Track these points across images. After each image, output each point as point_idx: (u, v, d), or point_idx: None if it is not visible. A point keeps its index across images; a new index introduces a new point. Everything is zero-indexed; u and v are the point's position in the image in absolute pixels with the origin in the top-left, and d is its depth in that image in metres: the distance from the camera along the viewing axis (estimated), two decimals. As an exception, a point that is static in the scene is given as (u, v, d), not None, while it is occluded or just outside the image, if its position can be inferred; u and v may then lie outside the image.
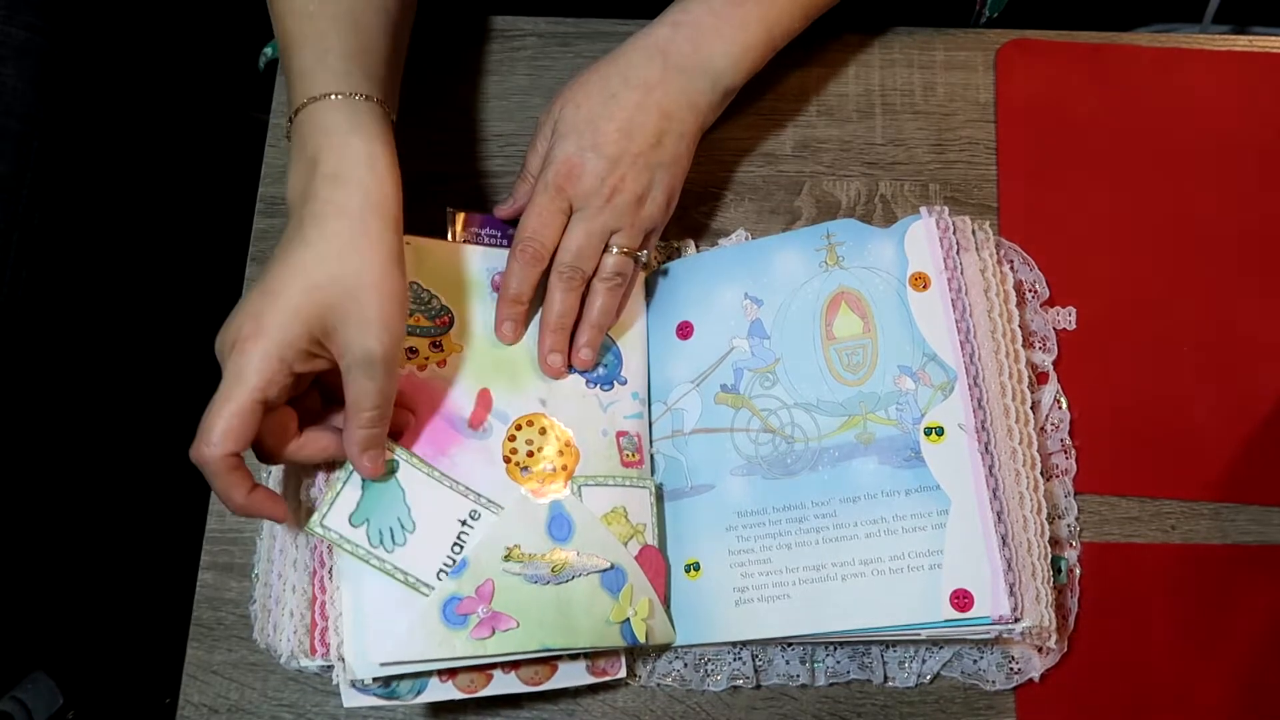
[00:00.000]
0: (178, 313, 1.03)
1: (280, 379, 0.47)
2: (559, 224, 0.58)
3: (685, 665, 0.59)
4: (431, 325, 0.58)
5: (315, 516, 0.52)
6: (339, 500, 0.52)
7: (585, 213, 0.58)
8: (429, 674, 0.54)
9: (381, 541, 0.52)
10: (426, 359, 0.57)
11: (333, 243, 0.49)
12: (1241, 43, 0.70)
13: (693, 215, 0.68)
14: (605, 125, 0.58)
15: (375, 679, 0.52)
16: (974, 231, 0.61)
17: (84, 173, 0.87)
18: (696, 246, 0.67)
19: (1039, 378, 0.63)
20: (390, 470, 0.54)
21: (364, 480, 0.53)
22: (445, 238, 0.62)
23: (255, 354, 0.47)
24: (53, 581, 0.97)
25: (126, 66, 0.92)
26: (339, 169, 0.50)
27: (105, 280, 0.94)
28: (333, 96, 0.52)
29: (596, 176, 0.57)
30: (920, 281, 0.59)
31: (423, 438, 0.55)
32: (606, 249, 0.59)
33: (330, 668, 0.53)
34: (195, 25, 0.93)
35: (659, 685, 0.59)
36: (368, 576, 0.52)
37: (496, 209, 0.63)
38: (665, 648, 0.59)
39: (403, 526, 0.53)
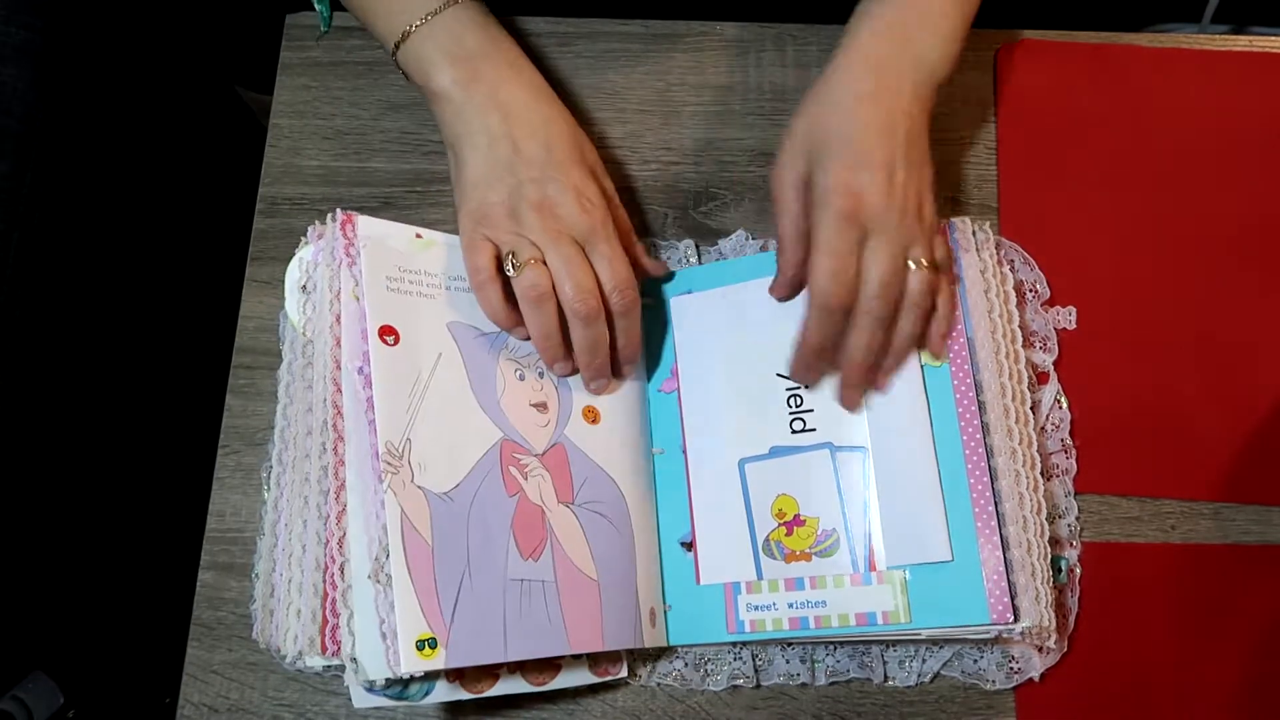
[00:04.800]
0: (178, 313, 1.03)
1: None
2: (854, 255, 0.53)
3: (685, 665, 0.59)
4: None
5: None
6: None
7: (879, 236, 0.53)
8: (438, 675, 0.53)
9: None
10: None
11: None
12: (1241, 43, 0.70)
13: (692, 215, 0.68)
14: (867, 139, 0.53)
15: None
16: (974, 232, 0.61)
17: (84, 172, 0.87)
18: (696, 246, 0.67)
19: (1039, 378, 0.63)
20: None
21: None
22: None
23: None
24: (53, 581, 0.97)
25: (126, 66, 0.92)
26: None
27: (105, 280, 0.94)
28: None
29: (880, 194, 0.53)
30: None
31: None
32: (907, 268, 0.54)
33: (332, 666, 0.53)
34: (195, 25, 0.93)
35: (659, 685, 0.59)
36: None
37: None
38: (665, 648, 0.59)
39: None
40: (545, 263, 0.56)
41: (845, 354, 0.56)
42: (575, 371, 0.60)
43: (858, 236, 0.53)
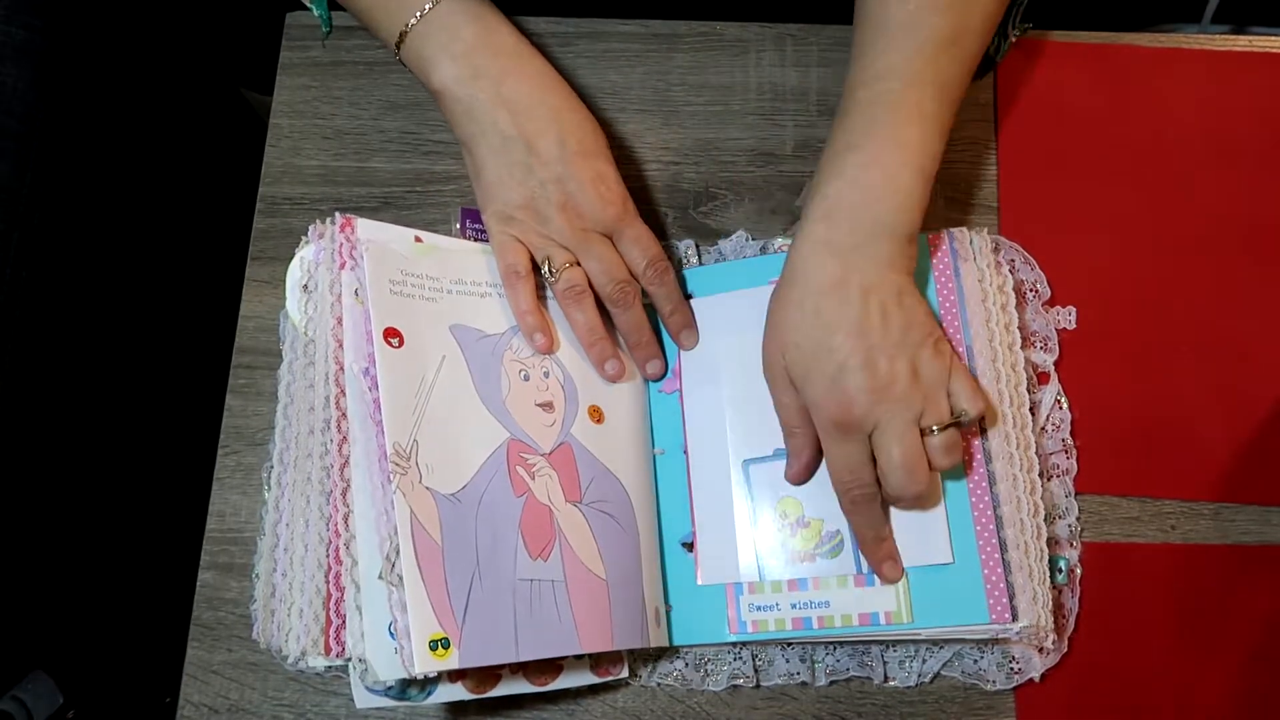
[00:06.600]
0: (179, 312, 1.03)
1: None
2: (865, 455, 0.54)
3: (686, 665, 0.59)
4: None
5: None
6: None
7: (882, 426, 0.53)
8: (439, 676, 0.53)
9: None
10: None
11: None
12: (1241, 43, 0.70)
13: (692, 215, 0.68)
14: (835, 341, 0.53)
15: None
16: (971, 241, 0.61)
17: (84, 172, 0.87)
18: (696, 246, 0.67)
19: (1040, 378, 0.63)
20: None
21: None
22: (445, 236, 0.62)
23: None
24: (53, 581, 0.97)
25: (127, 66, 0.92)
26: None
27: (105, 280, 0.94)
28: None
29: (865, 392, 0.52)
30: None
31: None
32: (925, 433, 0.53)
33: (333, 666, 0.53)
34: (195, 25, 0.93)
35: (659, 685, 0.59)
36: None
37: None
38: (666, 648, 0.59)
39: None
40: (579, 263, 0.59)
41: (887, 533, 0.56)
42: (622, 374, 0.61)
43: (860, 436, 0.53)
